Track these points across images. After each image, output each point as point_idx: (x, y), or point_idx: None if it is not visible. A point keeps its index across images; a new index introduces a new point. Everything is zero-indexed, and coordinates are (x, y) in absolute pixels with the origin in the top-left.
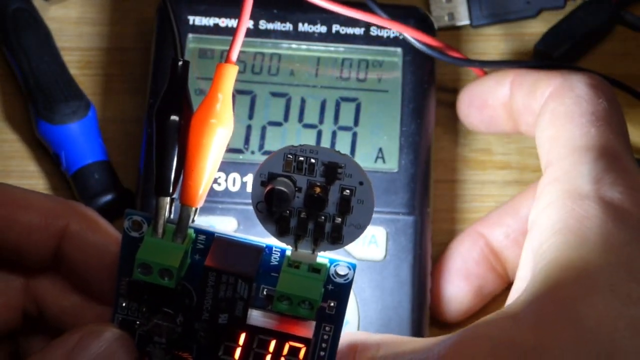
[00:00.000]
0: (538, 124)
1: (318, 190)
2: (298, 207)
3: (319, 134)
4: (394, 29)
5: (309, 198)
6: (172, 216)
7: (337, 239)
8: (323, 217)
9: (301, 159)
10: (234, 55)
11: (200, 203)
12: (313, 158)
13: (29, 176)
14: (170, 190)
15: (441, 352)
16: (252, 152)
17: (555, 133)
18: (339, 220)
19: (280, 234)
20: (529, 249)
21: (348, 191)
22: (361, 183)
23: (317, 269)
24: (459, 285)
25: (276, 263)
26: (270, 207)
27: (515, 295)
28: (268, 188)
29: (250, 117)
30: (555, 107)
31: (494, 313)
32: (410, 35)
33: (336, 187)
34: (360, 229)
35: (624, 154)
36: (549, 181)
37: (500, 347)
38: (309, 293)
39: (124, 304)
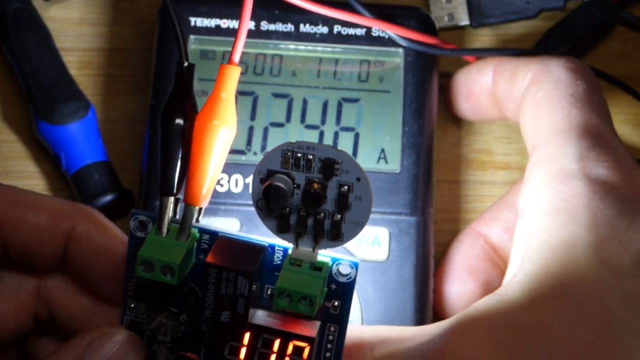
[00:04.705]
0: (521, 110)
1: (315, 186)
2: (297, 204)
3: (321, 134)
4: (390, 31)
5: (306, 194)
6: (177, 216)
7: (336, 236)
8: (322, 214)
9: (299, 155)
10: (237, 57)
11: (204, 203)
12: (310, 154)
13: (29, 177)
14: (175, 190)
15: (441, 341)
16: (255, 153)
17: (538, 118)
18: (337, 217)
19: (280, 231)
20: (520, 233)
21: (345, 187)
22: (358, 179)
23: (318, 267)
24: (466, 282)
25: (279, 262)
26: (269, 203)
27: (508, 279)
28: (265, 184)
29: (252, 118)
30: (536, 93)
31: (486, 297)
32: (405, 35)
33: (334, 183)
34: (359, 226)
35: (606, 131)
36: (535, 164)
37: (498, 329)
38: (308, 289)
39: (132, 305)
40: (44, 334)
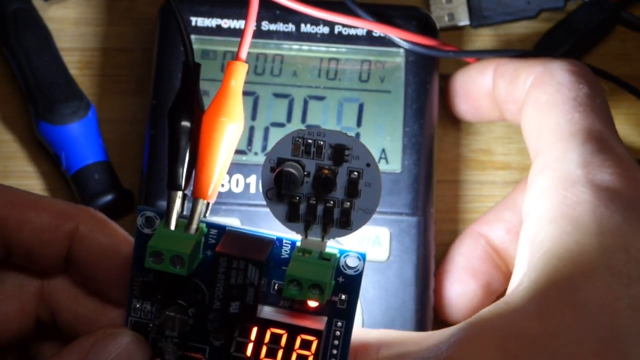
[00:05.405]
0: (523, 113)
1: (326, 171)
2: (307, 192)
3: None
4: (391, 34)
5: (317, 179)
6: (185, 212)
7: (346, 224)
8: (332, 202)
9: (309, 141)
10: (244, 54)
11: (212, 198)
12: (321, 140)
13: (29, 177)
14: (182, 185)
15: (449, 350)
16: (255, 154)
17: (541, 122)
18: (347, 204)
19: (289, 220)
20: (525, 239)
21: (356, 173)
22: (368, 165)
23: (327, 258)
24: (467, 282)
25: (287, 256)
26: (280, 189)
27: (514, 286)
28: (277, 170)
29: (253, 118)
30: (538, 96)
31: (493, 305)
32: (406, 38)
33: (344, 169)
34: (368, 213)
35: (609, 134)
36: (539, 170)
37: (508, 339)
38: (319, 276)
39: (137, 306)
40: (46, 337)
